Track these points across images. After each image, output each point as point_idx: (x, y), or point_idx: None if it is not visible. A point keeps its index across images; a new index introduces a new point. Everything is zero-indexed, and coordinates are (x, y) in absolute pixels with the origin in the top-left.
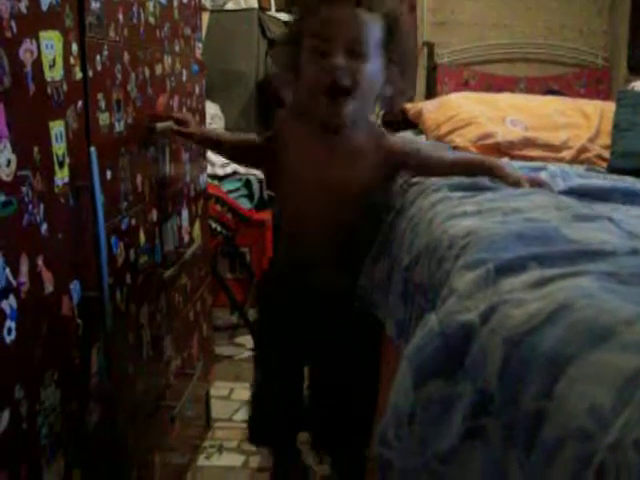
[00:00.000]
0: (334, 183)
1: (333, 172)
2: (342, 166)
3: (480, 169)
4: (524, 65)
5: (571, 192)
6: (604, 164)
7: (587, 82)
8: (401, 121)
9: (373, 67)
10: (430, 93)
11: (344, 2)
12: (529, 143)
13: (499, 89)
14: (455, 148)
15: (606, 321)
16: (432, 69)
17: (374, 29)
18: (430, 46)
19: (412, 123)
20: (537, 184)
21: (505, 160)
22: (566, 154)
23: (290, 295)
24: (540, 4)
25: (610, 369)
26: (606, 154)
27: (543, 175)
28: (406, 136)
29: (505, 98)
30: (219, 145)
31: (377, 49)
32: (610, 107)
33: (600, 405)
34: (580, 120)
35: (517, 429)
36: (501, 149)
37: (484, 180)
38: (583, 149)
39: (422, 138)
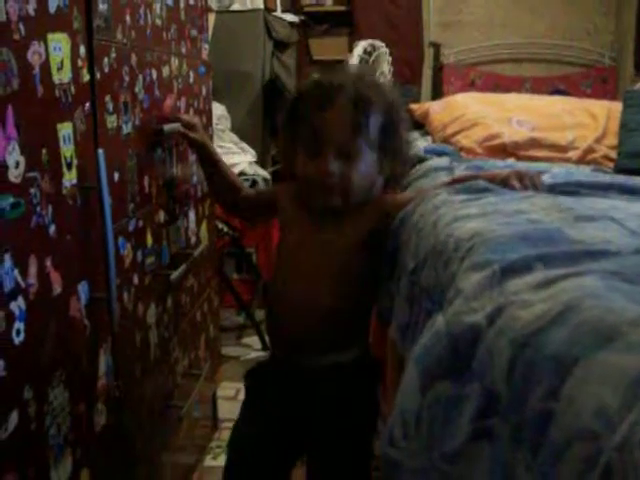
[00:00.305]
0: (324, 260)
1: (324, 256)
2: (334, 243)
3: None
4: (530, 65)
5: (565, 185)
6: (611, 164)
7: (593, 82)
8: None
9: (367, 164)
10: (436, 93)
11: (337, 102)
12: (535, 144)
13: (505, 89)
14: (461, 149)
15: (612, 322)
16: (438, 69)
17: (370, 126)
18: (436, 46)
19: (418, 124)
20: (524, 177)
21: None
22: (572, 154)
23: (278, 383)
24: (546, 4)
25: (616, 370)
26: (613, 154)
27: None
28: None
29: (511, 98)
30: (215, 167)
31: (373, 145)
32: (617, 107)
33: (607, 406)
34: (587, 120)
35: (524, 430)
36: (507, 149)
37: (479, 182)
38: (590, 149)
39: (428, 139)
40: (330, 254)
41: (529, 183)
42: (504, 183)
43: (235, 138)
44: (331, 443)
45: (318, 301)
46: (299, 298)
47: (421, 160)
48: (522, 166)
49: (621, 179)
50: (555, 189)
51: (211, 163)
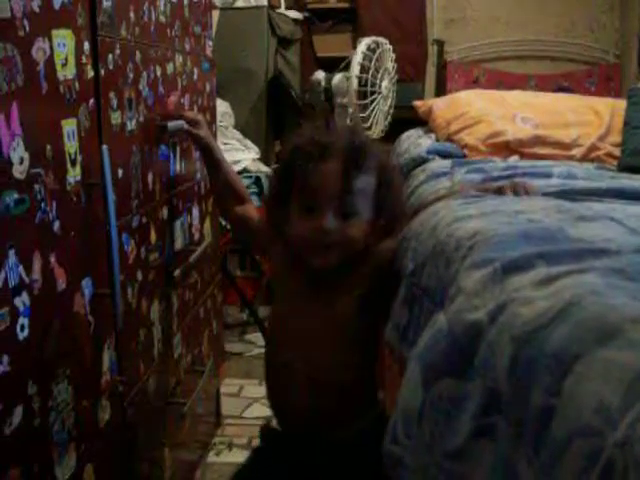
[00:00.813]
0: (322, 334)
1: (321, 323)
2: (328, 309)
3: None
4: (534, 62)
5: (561, 194)
6: (615, 162)
7: (598, 79)
8: (410, 119)
9: (364, 222)
10: (440, 91)
11: (334, 159)
12: (539, 141)
13: (509, 86)
14: (464, 147)
15: (613, 319)
16: (442, 67)
17: (368, 186)
18: (440, 44)
19: (422, 121)
20: (517, 186)
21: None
22: (576, 152)
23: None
24: (550, 1)
25: (617, 367)
26: (617, 152)
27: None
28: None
29: (515, 95)
30: (217, 167)
31: (368, 204)
32: (621, 104)
33: (608, 403)
34: (591, 118)
35: (526, 426)
36: (511, 147)
37: (471, 192)
38: (593, 147)
39: (431, 136)
40: (327, 321)
41: (523, 192)
42: (498, 193)
43: (238, 135)
44: None
45: (318, 374)
46: (296, 371)
47: (424, 161)
48: (525, 165)
49: (617, 184)
50: (550, 196)
51: (214, 163)
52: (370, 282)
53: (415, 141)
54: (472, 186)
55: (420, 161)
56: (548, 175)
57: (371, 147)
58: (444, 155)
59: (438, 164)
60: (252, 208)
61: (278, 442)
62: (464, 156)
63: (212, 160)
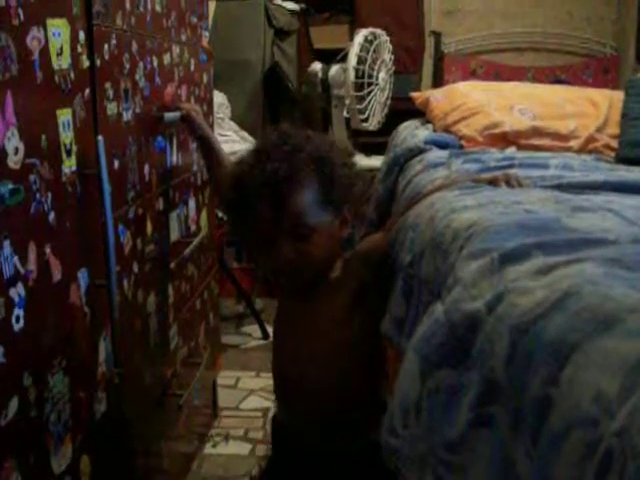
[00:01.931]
0: (313, 342)
1: (310, 332)
2: (323, 323)
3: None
4: (532, 54)
5: (556, 187)
6: (612, 154)
7: (595, 71)
8: (407, 111)
9: (322, 231)
10: (437, 83)
11: (263, 194)
12: (537, 132)
13: (506, 79)
14: (462, 138)
15: (611, 308)
16: (439, 59)
17: (308, 198)
18: (437, 35)
19: (419, 112)
20: (510, 178)
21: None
22: (574, 143)
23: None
24: None
25: (615, 356)
26: (614, 144)
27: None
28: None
29: (513, 87)
30: (214, 157)
31: (319, 210)
32: (619, 96)
33: (606, 392)
34: (588, 109)
35: (524, 416)
36: (508, 138)
37: (466, 183)
38: (591, 138)
39: (429, 127)
40: (320, 328)
41: (516, 184)
42: (491, 184)
43: (235, 126)
44: None
45: (317, 383)
46: (298, 386)
47: (421, 151)
48: (522, 156)
49: (615, 177)
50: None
51: (212, 153)
52: (361, 278)
53: (412, 132)
54: (467, 176)
55: (417, 151)
56: (545, 166)
57: (299, 156)
58: (441, 146)
59: (435, 154)
60: None
61: (289, 451)
62: (461, 147)
63: (210, 150)
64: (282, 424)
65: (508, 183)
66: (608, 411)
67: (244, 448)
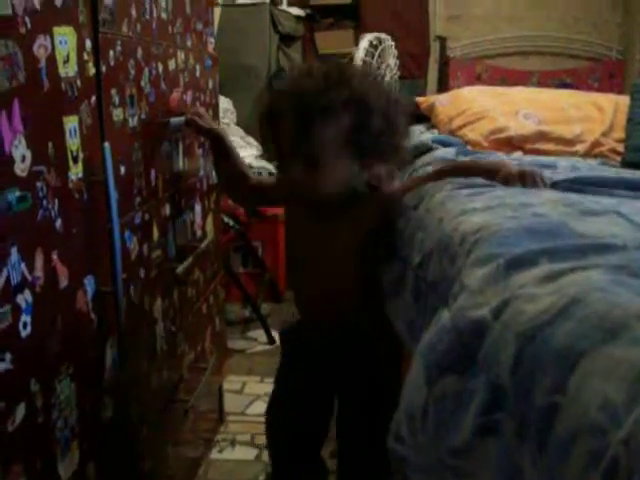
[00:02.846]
0: (330, 253)
1: (327, 244)
2: (337, 237)
3: (467, 171)
4: (537, 59)
5: (572, 182)
6: (618, 158)
7: (601, 75)
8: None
9: (333, 167)
10: (442, 87)
11: (290, 111)
12: (542, 137)
13: (512, 83)
14: (467, 143)
15: (617, 316)
16: (444, 63)
17: (331, 132)
18: (442, 40)
19: (424, 117)
20: (527, 175)
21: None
22: (579, 148)
23: (309, 344)
24: None
25: (622, 364)
26: (620, 148)
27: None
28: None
29: (518, 92)
30: (227, 154)
31: (340, 147)
32: (624, 100)
33: (612, 400)
34: (594, 114)
35: (530, 424)
36: (514, 143)
37: (477, 181)
38: (597, 143)
39: (434, 132)
40: (334, 249)
41: (530, 184)
42: (505, 183)
43: (241, 132)
44: (357, 391)
45: (331, 294)
46: (313, 287)
47: (428, 150)
48: (528, 161)
49: (628, 174)
50: (559, 187)
51: (225, 151)
52: (376, 220)
53: (417, 137)
54: (477, 162)
55: (423, 149)
56: (553, 167)
57: (337, 90)
58: (447, 146)
59: (443, 151)
60: (253, 178)
61: (298, 346)
62: None
63: (223, 148)
64: (294, 331)
65: (523, 182)
66: (615, 419)
67: (250, 453)
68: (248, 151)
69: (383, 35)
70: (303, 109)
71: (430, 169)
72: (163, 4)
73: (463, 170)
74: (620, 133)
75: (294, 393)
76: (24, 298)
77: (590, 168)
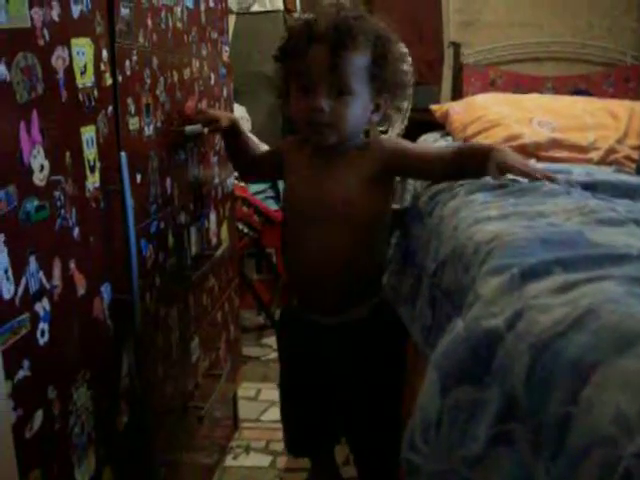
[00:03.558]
0: (330, 202)
1: (329, 192)
2: (338, 185)
3: (481, 154)
4: (551, 64)
5: (594, 186)
6: (633, 165)
7: (616, 81)
8: (427, 122)
9: (360, 100)
10: (456, 94)
11: (322, 39)
12: (556, 144)
13: (526, 89)
14: None
15: (631, 327)
16: (458, 70)
17: (360, 62)
18: (456, 46)
19: (439, 125)
20: (550, 178)
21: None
22: (594, 155)
23: (303, 326)
24: (568, 2)
25: (635, 376)
26: (635, 155)
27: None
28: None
29: (532, 99)
30: (238, 135)
31: (364, 80)
32: (639, 107)
33: (625, 412)
34: (608, 121)
35: (544, 434)
36: (528, 150)
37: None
38: (611, 150)
39: (449, 140)
40: (334, 197)
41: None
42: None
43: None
44: (357, 380)
45: (329, 249)
46: (309, 245)
47: None
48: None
49: None
50: (588, 188)
51: (238, 135)
52: (378, 168)
53: (432, 144)
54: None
55: None
56: (568, 173)
57: (362, 23)
58: None
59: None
60: (258, 150)
61: (293, 322)
62: None
63: (237, 131)
64: (292, 311)
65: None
66: (627, 431)
67: (265, 460)
68: None
69: None
70: (337, 36)
71: None
72: (178, 14)
73: (486, 156)
74: (635, 140)
75: (297, 357)
76: (42, 306)
77: (605, 176)
